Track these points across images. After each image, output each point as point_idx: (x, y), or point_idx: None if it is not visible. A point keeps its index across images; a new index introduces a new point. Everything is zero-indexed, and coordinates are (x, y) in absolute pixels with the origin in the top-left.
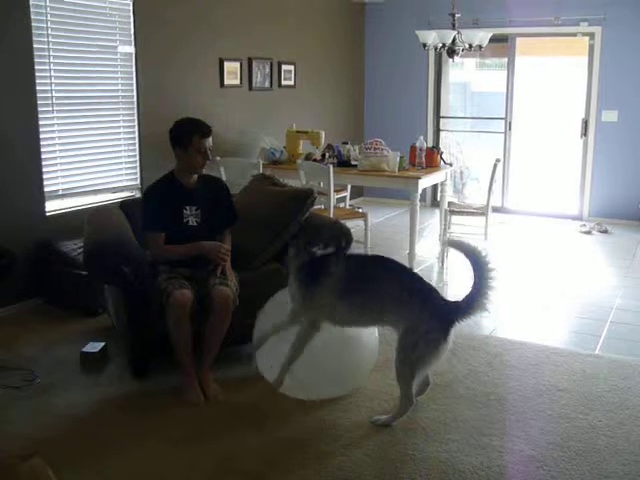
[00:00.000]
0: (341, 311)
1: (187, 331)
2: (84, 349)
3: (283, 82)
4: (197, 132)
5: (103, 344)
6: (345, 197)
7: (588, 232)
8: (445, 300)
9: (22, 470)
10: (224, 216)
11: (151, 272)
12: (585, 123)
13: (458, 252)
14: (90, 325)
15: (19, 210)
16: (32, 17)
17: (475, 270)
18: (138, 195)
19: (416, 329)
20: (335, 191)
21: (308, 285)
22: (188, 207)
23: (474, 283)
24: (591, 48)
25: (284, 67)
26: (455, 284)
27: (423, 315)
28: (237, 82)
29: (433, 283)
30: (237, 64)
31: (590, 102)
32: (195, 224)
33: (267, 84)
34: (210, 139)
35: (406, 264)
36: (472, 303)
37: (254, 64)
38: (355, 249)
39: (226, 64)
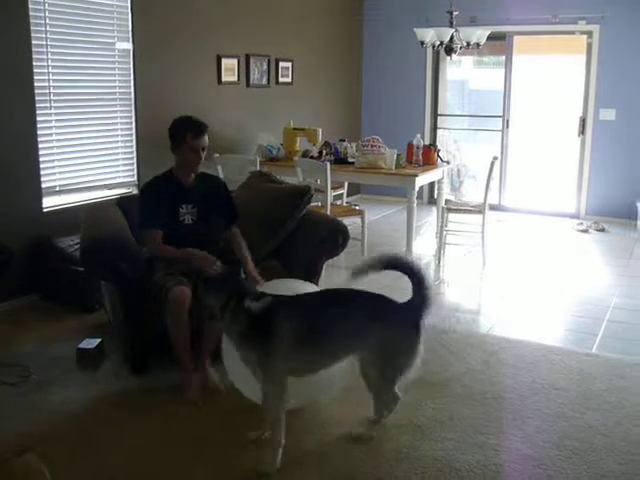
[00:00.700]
0: (306, 361)
1: (185, 327)
2: (80, 345)
3: (280, 79)
4: (190, 130)
5: (99, 340)
6: (342, 194)
7: (585, 230)
8: (399, 303)
9: (16, 465)
10: (224, 214)
11: (148, 268)
12: (583, 121)
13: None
14: (86, 321)
15: (16, 206)
16: (30, 13)
17: (411, 277)
18: (135, 192)
19: (389, 344)
20: (332, 188)
21: (262, 350)
22: (184, 205)
23: (413, 285)
24: (589, 46)
25: (282, 64)
26: (452, 281)
27: (390, 330)
28: (234, 79)
29: (430, 280)
30: (235, 61)
31: (588, 100)
32: (191, 222)
33: (264, 81)
34: (205, 138)
35: None
36: (421, 296)
37: (252, 61)
38: (352, 246)
39: (224, 61)
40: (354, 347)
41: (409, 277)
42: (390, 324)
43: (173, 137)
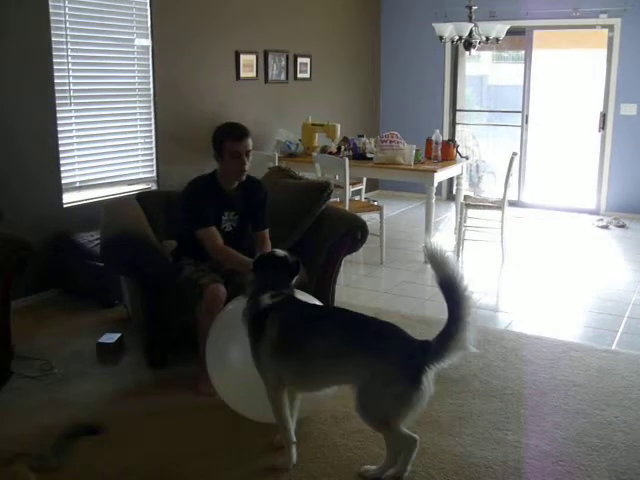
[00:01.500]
0: (294, 374)
1: None
2: (100, 340)
3: (299, 75)
4: (229, 135)
5: (119, 335)
6: (360, 190)
7: (605, 226)
8: (409, 340)
9: (3, 475)
10: (258, 219)
11: (175, 263)
12: (603, 116)
13: (431, 265)
14: (106, 316)
15: (37, 202)
16: (50, 10)
17: (448, 298)
18: (154, 187)
19: (374, 384)
20: (350, 184)
21: (255, 343)
22: (227, 213)
23: (449, 315)
24: (610, 40)
25: (300, 60)
26: (470, 278)
27: (380, 366)
28: (253, 75)
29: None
30: (253, 57)
31: (608, 95)
32: (230, 229)
33: (283, 77)
34: (246, 142)
35: (422, 257)
36: (446, 341)
37: (270, 57)
38: (371, 242)
39: (242, 57)
40: (343, 375)
41: (448, 307)
42: (382, 360)
43: (215, 144)
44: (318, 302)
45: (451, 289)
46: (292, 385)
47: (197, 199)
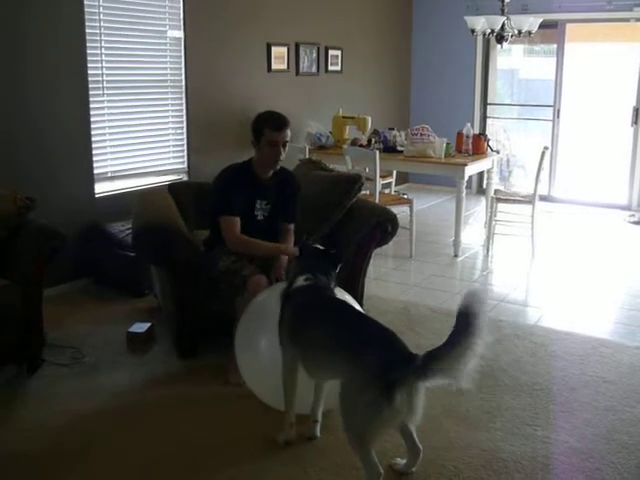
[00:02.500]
0: (301, 358)
1: None
2: (130, 329)
3: (330, 67)
4: (269, 124)
5: (149, 325)
6: (390, 183)
7: (637, 222)
8: (394, 350)
9: None
10: (286, 211)
11: (208, 252)
12: (636, 111)
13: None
14: (137, 306)
15: (69, 192)
16: (85, 2)
17: (459, 320)
18: (185, 178)
19: (350, 387)
20: (381, 177)
21: (279, 322)
22: (259, 201)
23: (448, 336)
24: None
25: (331, 52)
26: (500, 272)
27: (356, 370)
28: (284, 67)
29: (477, 271)
30: (284, 49)
31: None
32: (262, 218)
33: (314, 69)
34: (285, 133)
35: (451, 251)
36: (432, 361)
37: (301, 49)
38: (401, 235)
39: (273, 49)
40: (332, 371)
41: (453, 330)
42: (359, 365)
43: (254, 131)
44: (348, 297)
45: (467, 315)
46: (304, 369)
47: (227, 187)
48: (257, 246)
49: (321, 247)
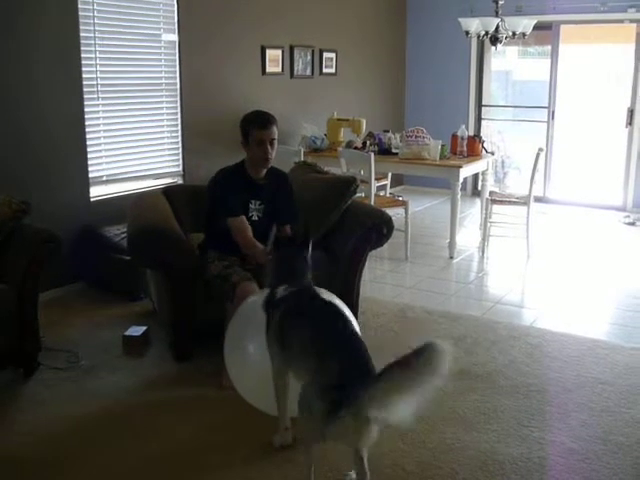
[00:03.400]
0: (283, 361)
1: None
2: (126, 333)
3: (324, 70)
4: (254, 124)
5: (145, 328)
6: (385, 185)
7: (632, 223)
8: (353, 368)
9: None
10: (282, 212)
11: (202, 256)
12: (631, 112)
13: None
14: (132, 309)
15: (64, 195)
16: (79, 6)
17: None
18: (180, 181)
19: (305, 391)
20: (376, 179)
21: (266, 329)
22: (254, 201)
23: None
24: (639, 35)
25: (325, 55)
26: (495, 274)
27: (315, 379)
28: (279, 70)
29: (473, 273)
30: (279, 52)
31: (636, 91)
32: (257, 219)
33: (308, 72)
34: (271, 130)
35: (446, 252)
36: (362, 390)
37: (295, 52)
38: (396, 237)
39: (268, 52)
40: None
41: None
42: (319, 373)
43: (242, 131)
44: (335, 298)
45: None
46: (292, 373)
47: (224, 189)
48: (258, 249)
49: (291, 236)
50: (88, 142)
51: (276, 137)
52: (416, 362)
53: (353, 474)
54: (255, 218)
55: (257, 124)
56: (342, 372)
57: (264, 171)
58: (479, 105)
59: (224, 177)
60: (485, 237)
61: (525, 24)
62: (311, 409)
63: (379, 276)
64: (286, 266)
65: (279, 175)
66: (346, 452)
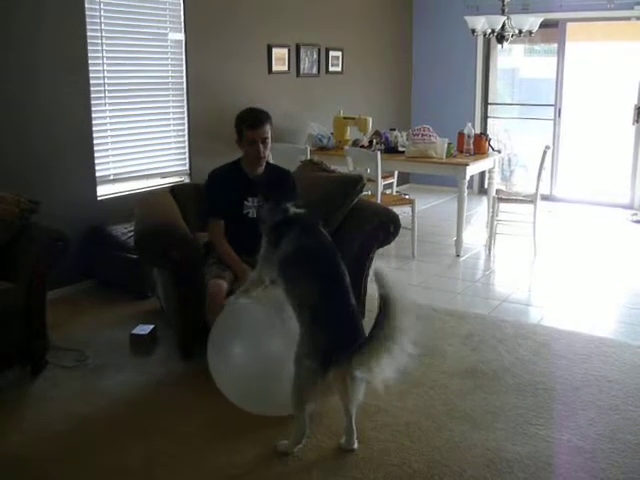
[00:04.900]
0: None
1: None
2: (134, 331)
3: (331, 68)
4: (246, 122)
5: (152, 327)
6: (392, 184)
7: (639, 221)
8: (349, 337)
9: None
10: None
11: (206, 255)
12: (638, 109)
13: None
14: (140, 308)
15: (72, 194)
16: (86, 5)
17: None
18: (187, 180)
19: (300, 350)
20: (382, 177)
21: (272, 244)
22: (250, 198)
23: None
24: None
25: (332, 53)
26: (502, 272)
27: (309, 337)
28: (285, 68)
29: (479, 271)
30: (285, 50)
31: None
32: (255, 216)
33: (315, 70)
34: (263, 129)
35: (453, 251)
36: (355, 352)
37: (302, 50)
38: (403, 236)
39: (274, 50)
40: (298, 318)
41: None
42: (313, 333)
43: (236, 130)
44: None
45: (383, 304)
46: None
47: (211, 189)
48: (225, 254)
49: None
50: (95, 141)
51: (269, 135)
52: (384, 320)
53: (343, 439)
54: (252, 215)
55: (248, 124)
56: (333, 336)
57: (261, 168)
58: (485, 103)
59: (215, 176)
60: (492, 235)
61: (531, 22)
62: (304, 368)
63: (386, 274)
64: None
65: (280, 172)
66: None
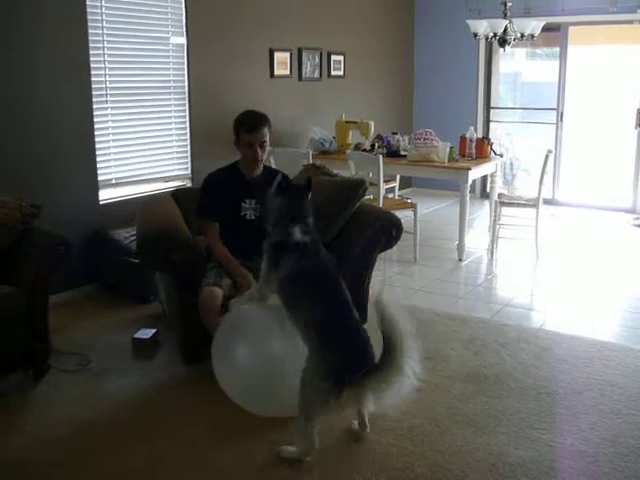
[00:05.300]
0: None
1: (217, 325)
2: (136, 335)
3: (332, 72)
4: (244, 126)
5: (154, 331)
6: (394, 187)
7: None
8: (360, 358)
9: None
10: None
11: (207, 259)
12: None
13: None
14: (142, 312)
15: (74, 198)
16: (88, 10)
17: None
18: (189, 184)
19: (310, 373)
20: (384, 181)
21: (272, 262)
22: (247, 200)
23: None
24: None
25: (334, 57)
26: (504, 276)
27: (320, 360)
28: (287, 72)
29: (481, 275)
30: (287, 54)
31: None
32: (253, 218)
33: (317, 74)
34: (261, 133)
35: (455, 255)
36: (369, 374)
37: (304, 54)
38: (405, 240)
39: (276, 54)
40: (305, 340)
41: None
42: (325, 356)
43: (234, 132)
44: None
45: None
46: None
47: (205, 192)
48: (221, 256)
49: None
50: (97, 145)
51: (267, 139)
52: (392, 346)
53: (356, 424)
54: (251, 217)
55: (246, 127)
56: (342, 356)
57: (258, 170)
58: (487, 107)
59: (210, 179)
60: (494, 239)
61: (533, 26)
62: (317, 390)
63: (388, 278)
64: (293, 203)
65: (276, 174)
66: None
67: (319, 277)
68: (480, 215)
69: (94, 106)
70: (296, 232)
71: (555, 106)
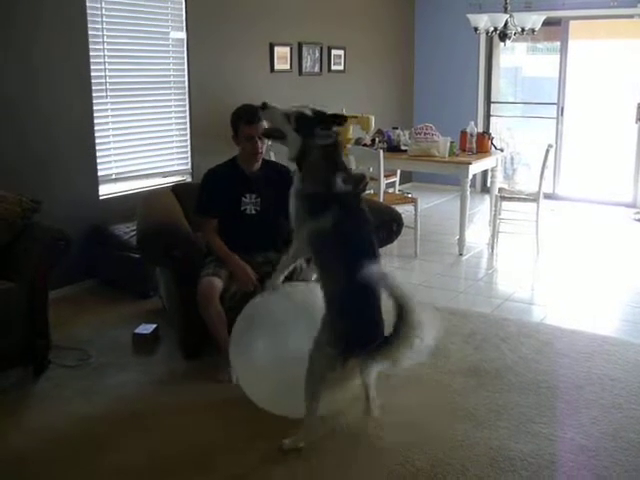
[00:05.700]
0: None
1: (216, 316)
2: (136, 330)
3: (333, 67)
4: (242, 119)
5: (155, 326)
6: (394, 182)
7: None
8: (370, 332)
9: None
10: (285, 207)
11: (207, 253)
12: None
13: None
14: (142, 307)
15: (74, 193)
16: (87, 4)
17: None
18: (189, 179)
19: (320, 338)
20: (385, 176)
21: (304, 217)
22: (248, 195)
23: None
24: None
25: (334, 52)
26: (505, 270)
27: (332, 328)
28: (287, 67)
29: (482, 270)
30: (287, 49)
31: None
32: (254, 212)
33: (317, 69)
34: (260, 125)
35: (456, 249)
36: (384, 349)
37: (304, 49)
38: (405, 234)
39: (276, 49)
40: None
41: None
42: (336, 324)
43: (232, 127)
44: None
45: (400, 307)
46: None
47: (207, 185)
48: (219, 249)
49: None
50: (97, 140)
51: None
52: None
53: (363, 407)
54: (251, 212)
55: (245, 119)
56: (356, 327)
57: (257, 164)
58: (488, 102)
59: (209, 175)
60: (494, 234)
61: (534, 20)
62: (324, 356)
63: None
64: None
65: (280, 168)
66: None
67: (353, 242)
68: (480, 210)
69: (94, 101)
70: (338, 182)
71: (556, 100)
